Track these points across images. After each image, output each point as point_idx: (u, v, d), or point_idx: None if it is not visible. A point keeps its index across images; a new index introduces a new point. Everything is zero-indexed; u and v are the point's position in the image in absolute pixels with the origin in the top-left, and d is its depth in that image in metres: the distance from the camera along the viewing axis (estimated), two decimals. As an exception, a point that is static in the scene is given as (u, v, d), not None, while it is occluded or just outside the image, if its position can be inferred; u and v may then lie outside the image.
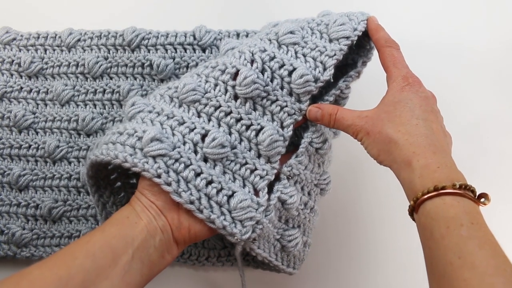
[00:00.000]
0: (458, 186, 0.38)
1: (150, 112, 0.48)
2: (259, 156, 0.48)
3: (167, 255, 0.45)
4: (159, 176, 0.43)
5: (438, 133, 0.43)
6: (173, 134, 0.46)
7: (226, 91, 0.47)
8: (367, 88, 0.65)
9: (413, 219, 0.41)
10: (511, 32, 0.68)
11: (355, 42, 0.50)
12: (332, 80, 0.50)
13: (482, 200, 0.38)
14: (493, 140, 0.66)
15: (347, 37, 0.49)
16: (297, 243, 0.51)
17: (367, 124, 0.45)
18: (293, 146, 0.53)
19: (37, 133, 0.61)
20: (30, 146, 0.61)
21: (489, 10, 0.68)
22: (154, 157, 0.44)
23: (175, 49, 0.61)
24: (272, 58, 0.48)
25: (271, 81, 0.48)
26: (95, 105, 0.61)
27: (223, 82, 0.48)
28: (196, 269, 0.63)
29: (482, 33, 0.67)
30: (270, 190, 0.48)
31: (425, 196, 0.38)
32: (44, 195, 0.60)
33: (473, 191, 0.39)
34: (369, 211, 0.64)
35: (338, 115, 0.48)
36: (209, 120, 0.47)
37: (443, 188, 0.38)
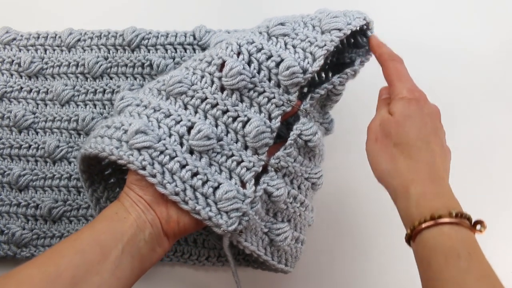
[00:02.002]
0: (454, 215, 0.38)
1: (137, 105, 0.48)
2: (246, 148, 0.48)
3: (158, 248, 0.45)
4: (143, 168, 0.44)
5: (438, 157, 0.43)
6: (159, 127, 0.46)
7: (213, 82, 0.47)
8: (366, 89, 0.65)
9: (410, 246, 0.41)
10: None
11: (348, 34, 0.49)
12: (331, 79, 0.50)
13: (478, 227, 0.39)
14: (494, 140, 0.65)
15: (339, 29, 0.48)
16: (286, 237, 0.51)
17: (379, 129, 0.45)
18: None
19: (37, 133, 0.61)
20: (30, 146, 0.61)
21: (489, 11, 0.68)
22: (139, 149, 0.44)
23: (175, 49, 0.61)
24: (259, 50, 0.48)
25: (258, 72, 0.47)
26: (95, 105, 0.61)
27: (210, 74, 0.48)
28: (196, 269, 0.62)
29: (483, 34, 0.67)
30: (258, 182, 0.48)
31: (423, 226, 0.38)
32: (44, 195, 0.60)
33: (469, 219, 0.39)
34: (369, 210, 0.64)
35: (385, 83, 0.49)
36: (196, 112, 0.47)
37: (440, 217, 0.38)
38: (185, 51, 0.61)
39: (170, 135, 0.46)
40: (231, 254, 0.50)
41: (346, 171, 0.64)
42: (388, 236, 0.63)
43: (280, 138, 0.56)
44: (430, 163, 0.42)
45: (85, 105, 0.61)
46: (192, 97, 0.48)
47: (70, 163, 0.61)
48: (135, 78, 0.61)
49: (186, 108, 0.48)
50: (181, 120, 0.46)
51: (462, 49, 0.66)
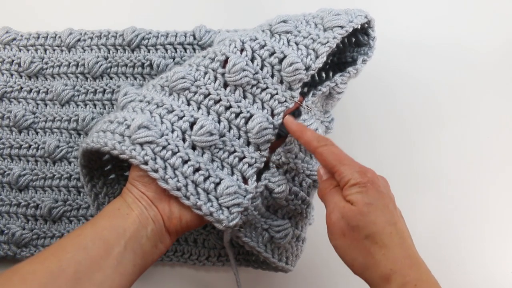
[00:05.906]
0: None
1: (141, 101, 0.48)
2: (248, 144, 0.48)
3: (160, 244, 0.45)
4: (146, 163, 0.44)
5: (406, 235, 0.42)
6: (162, 122, 0.46)
7: (216, 78, 0.48)
8: (366, 88, 0.65)
9: None
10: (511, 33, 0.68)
11: (349, 31, 0.49)
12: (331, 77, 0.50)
13: None
14: (495, 140, 0.65)
15: (341, 27, 0.49)
16: (286, 234, 0.51)
17: (343, 222, 0.42)
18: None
19: (37, 133, 0.61)
20: (30, 146, 0.61)
21: (490, 10, 0.68)
22: (141, 144, 0.44)
23: (175, 49, 0.61)
24: (262, 46, 0.48)
25: (261, 69, 0.48)
26: (95, 105, 0.61)
27: (213, 70, 0.48)
28: (197, 269, 0.62)
29: (483, 34, 0.67)
30: (259, 179, 0.48)
31: None
32: (44, 195, 0.60)
33: None
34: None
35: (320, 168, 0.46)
36: (199, 108, 0.48)
37: None
38: (185, 51, 0.61)
39: (172, 131, 0.46)
40: (232, 250, 0.50)
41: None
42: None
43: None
44: (404, 246, 0.41)
45: (85, 105, 0.61)
46: (195, 93, 0.48)
47: (70, 163, 0.61)
48: (135, 78, 0.61)
49: (189, 104, 0.48)
50: (184, 116, 0.47)
51: (462, 49, 0.66)
